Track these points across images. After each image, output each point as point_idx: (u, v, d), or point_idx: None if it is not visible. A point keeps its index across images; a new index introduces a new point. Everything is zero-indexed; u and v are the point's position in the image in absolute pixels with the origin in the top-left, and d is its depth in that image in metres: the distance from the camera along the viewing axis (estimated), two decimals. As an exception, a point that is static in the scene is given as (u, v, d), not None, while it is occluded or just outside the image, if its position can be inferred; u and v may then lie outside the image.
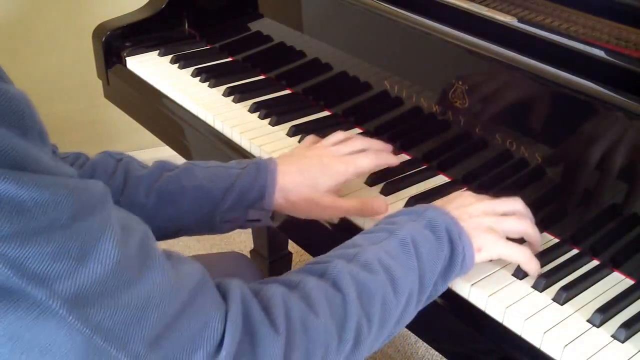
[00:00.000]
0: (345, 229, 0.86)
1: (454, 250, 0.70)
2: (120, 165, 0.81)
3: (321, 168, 0.83)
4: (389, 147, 0.91)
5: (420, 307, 0.70)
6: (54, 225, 0.43)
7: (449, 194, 0.91)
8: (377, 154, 0.87)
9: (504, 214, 0.77)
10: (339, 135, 0.89)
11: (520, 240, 0.79)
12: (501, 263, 0.79)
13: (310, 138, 0.92)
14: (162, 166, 0.82)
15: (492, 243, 0.73)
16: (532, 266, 0.75)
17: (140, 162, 0.84)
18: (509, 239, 0.76)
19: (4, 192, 0.40)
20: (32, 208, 0.41)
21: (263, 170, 0.81)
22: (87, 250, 0.44)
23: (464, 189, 0.93)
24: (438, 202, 0.78)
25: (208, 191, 0.79)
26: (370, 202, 0.83)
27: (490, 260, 0.79)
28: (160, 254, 0.50)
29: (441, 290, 0.71)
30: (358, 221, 0.86)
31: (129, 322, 0.46)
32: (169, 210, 0.79)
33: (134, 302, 0.46)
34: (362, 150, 0.87)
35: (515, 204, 0.79)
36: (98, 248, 0.45)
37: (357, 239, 0.70)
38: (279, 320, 0.55)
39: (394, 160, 0.90)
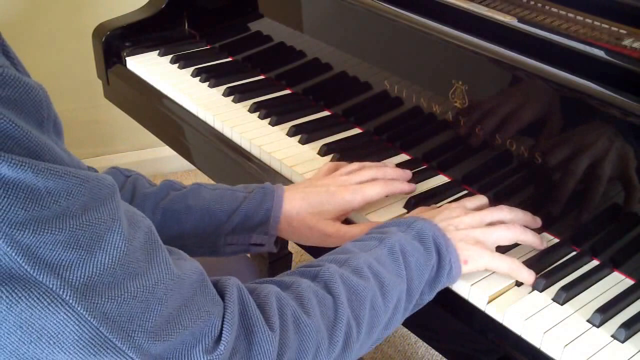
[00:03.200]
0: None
1: (441, 261, 0.72)
2: (129, 181, 0.82)
3: (327, 196, 0.82)
4: (407, 174, 0.90)
5: (407, 315, 0.71)
6: (66, 214, 0.43)
7: (449, 194, 0.92)
8: (387, 183, 0.86)
9: (492, 224, 0.78)
10: (353, 165, 0.89)
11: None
12: (501, 263, 0.79)
13: (327, 166, 0.91)
14: (170, 185, 0.82)
15: (478, 255, 0.74)
16: (524, 276, 0.75)
17: (148, 179, 0.84)
18: (503, 248, 0.77)
19: (21, 179, 0.41)
20: (45, 196, 0.42)
21: (269, 195, 0.81)
22: (96, 241, 0.45)
23: (464, 191, 0.93)
24: (426, 215, 0.79)
25: (213, 213, 0.79)
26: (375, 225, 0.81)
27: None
28: (164, 249, 0.52)
29: (427, 299, 0.73)
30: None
31: (133, 313, 0.46)
32: (173, 229, 0.79)
33: (138, 294, 0.47)
34: (374, 179, 0.87)
35: (501, 213, 0.80)
36: (106, 239, 0.46)
37: (348, 246, 0.71)
38: (274, 319, 0.56)
39: (406, 188, 0.89)
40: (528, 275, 0.75)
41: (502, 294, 0.75)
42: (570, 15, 0.90)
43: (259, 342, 0.54)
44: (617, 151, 0.77)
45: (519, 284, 0.77)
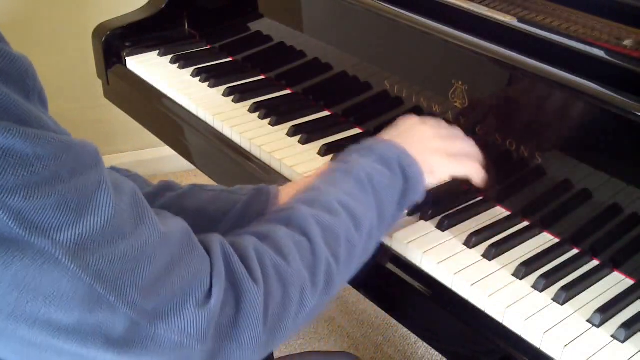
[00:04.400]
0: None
1: (407, 181, 0.74)
2: None
3: None
4: None
5: (380, 237, 0.74)
6: (55, 179, 0.45)
7: (448, 194, 0.91)
8: None
9: (453, 137, 0.83)
10: None
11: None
12: (501, 263, 0.79)
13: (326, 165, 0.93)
14: (166, 186, 0.82)
15: (443, 164, 0.78)
16: (481, 178, 0.82)
17: (146, 180, 0.84)
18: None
19: (10, 145, 0.42)
20: (34, 162, 0.44)
21: (265, 194, 0.80)
22: (85, 204, 0.46)
23: (464, 189, 0.93)
24: (388, 132, 0.82)
25: (209, 214, 0.79)
26: None
27: (491, 260, 0.79)
28: (150, 210, 0.53)
29: (398, 218, 0.76)
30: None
31: (125, 271, 0.48)
32: None
33: (128, 252, 0.48)
34: None
35: (458, 131, 0.85)
36: (95, 201, 0.47)
37: (314, 182, 0.73)
38: (256, 271, 0.58)
39: None
40: (482, 179, 0.82)
41: (502, 294, 0.75)
42: (571, 15, 0.90)
43: (245, 293, 0.55)
44: (616, 151, 0.77)
45: (519, 280, 0.77)
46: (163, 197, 0.80)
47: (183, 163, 1.32)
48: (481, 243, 0.82)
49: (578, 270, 0.79)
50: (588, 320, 0.72)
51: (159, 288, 0.50)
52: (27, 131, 0.43)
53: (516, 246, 0.82)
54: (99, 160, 0.49)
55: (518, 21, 0.88)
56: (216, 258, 0.55)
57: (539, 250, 0.82)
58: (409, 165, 0.74)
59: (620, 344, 0.70)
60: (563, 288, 0.75)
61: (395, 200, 0.73)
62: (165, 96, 1.20)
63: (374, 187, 0.71)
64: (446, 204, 0.89)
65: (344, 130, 1.07)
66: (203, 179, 2.10)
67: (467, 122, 0.90)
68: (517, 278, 0.78)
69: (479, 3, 0.94)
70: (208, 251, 0.56)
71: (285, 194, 0.81)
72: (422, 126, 0.81)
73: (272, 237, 0.62)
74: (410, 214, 0.87)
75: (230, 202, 0.80)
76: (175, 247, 0.52)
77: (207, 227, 0.79)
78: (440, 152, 0.78)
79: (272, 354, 1.14)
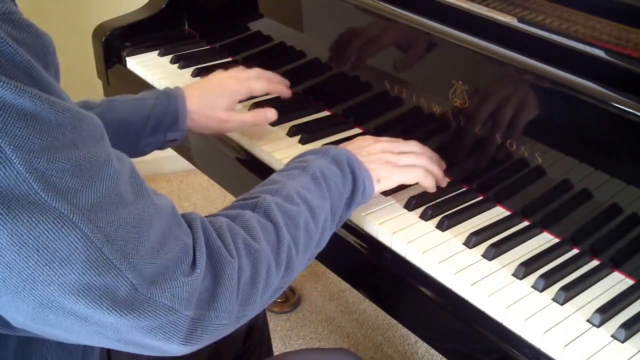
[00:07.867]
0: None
1: (356, 182, 0.80)
2: None
3: (219, 88, 0.97)
4: (286, 82, 1.08)
5: (331, 233, 0.77)
6: (72, 146, 0.48)
7: (449, 193, 0.92)
8: (270, 82, 1.04)
9: (402, 153, 0.88)
10: (240, 67, 1.05)
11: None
12: (501, 263, 0.80)
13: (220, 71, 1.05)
14: (84, 105, 0.88)
15: (389, 173, 0.84)
16: (429, 182, 0.87)
17: None
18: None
19: (38, 111, 0.46)
20: (56, 128, 0.47)
21: (174, 97, 0.94)
22: (95, 172, 0.50)
23: (465, 188, 0.93)
24: (341, 145, 0.87)
25: (130, 122, 0.90)
26: (263, 112, 0.99)
27: (491, 260, 0.79)
28: (145, 182, 0.56)
29: (345, 217, 0.80)
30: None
31: (128, 237, 0.51)
32: None
33: (131, 220, 0.52)
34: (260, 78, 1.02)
35: (412, 145, 0.90)
36: (103, 171, 0.50)
37: (274, 176, 0.78)
38: (231, 247, 0.62)
39: (285, 92, 1.07)
40: (432, 182, 0.87)
41: (502, 294, 0.75)
42: (571, 15, 0.90)
43: (222, 266, 0.59)
44: (616, 151, 0.77)
45: (519, 280, 0.77)
46: None
47: (183, 163, 1.32)
48: (481, 243, 0.83)
49: (578, 270, 0.79)
50: (588, 320, 0.72)
51: (155, 257, 0.53)
52: (51, 99, 0.47)
53: (516, 246, 0.83)
54: (104, 134, 0.53)
55: (518, 21, 0.88)
56: (198, 233, 0.59)
57: (539, 250, 0.82)
58: (359, 170, 0.80)
59: (620, 344, 0.70)
60: (563, 288, 0.75)
61: (344, 200, 0.78)
62: (165, 96, 1.20)
63: (327, 185, 0.76)
64: (446, 204, 0.89)
65: (344, 130, 1.07)
66: (203, 179, 2.11)
67: (467, 122, 0.90)
68: (517, 278, 0.78)
69: (479, 3, 0.94)
70: (189, 227, 0.60)
71: (189, 96, 0.94)
72: (373, 142, 0.87)
73: (241, 218, 0.67)
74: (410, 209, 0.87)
75: (147, 108, 0.91)
76: (166, 220, 0.56)
77: (132, 132, 0.90)
78: (388, 164, 0.84)
79: (271, 350, 1.15)
